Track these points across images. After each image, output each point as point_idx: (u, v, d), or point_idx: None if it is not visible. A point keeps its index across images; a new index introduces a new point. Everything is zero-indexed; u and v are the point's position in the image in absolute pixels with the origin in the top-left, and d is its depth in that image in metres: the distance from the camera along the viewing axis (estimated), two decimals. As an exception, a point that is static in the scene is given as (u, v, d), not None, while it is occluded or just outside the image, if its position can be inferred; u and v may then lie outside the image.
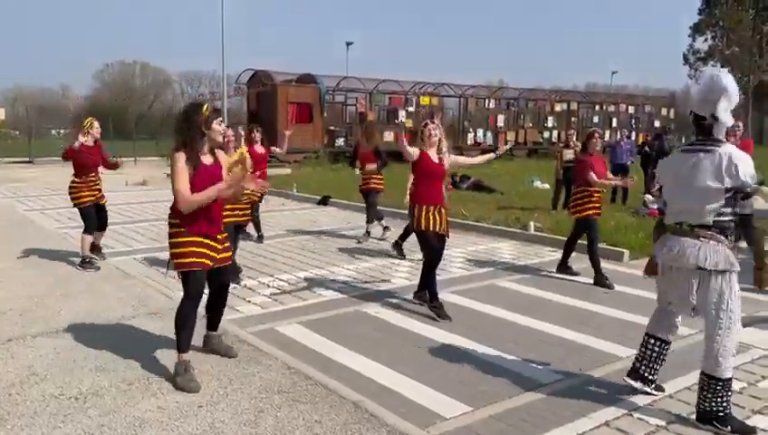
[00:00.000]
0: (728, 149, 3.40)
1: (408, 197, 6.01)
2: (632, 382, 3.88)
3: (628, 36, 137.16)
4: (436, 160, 5.67)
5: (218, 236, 4.21)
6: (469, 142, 30.88)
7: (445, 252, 8.23)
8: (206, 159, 4.11)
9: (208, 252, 4.11)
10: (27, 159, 26.94)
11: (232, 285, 6.44)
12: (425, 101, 29.36)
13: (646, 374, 3.87)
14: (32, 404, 3.65)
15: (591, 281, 6.73)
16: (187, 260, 4.03)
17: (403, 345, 4.85)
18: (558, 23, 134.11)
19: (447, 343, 4.87)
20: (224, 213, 6.15)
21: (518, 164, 26.62)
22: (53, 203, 12.87)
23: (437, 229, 5.57)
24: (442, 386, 4.06)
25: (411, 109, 28.68)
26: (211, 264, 4.14)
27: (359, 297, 6.15)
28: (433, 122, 5.81)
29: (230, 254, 4.38)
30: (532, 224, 9.60)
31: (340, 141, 26.68)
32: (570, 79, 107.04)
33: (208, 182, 4.02)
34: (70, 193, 7.39)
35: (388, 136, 26.50)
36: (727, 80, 3.39)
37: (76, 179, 7.32)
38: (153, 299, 5.86)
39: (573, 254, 7.22)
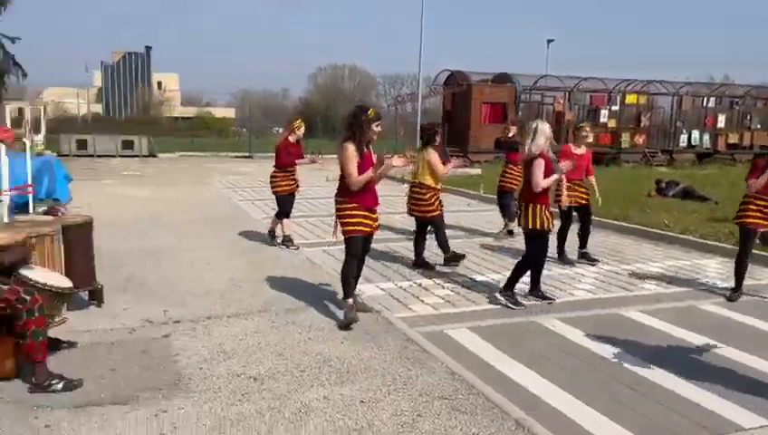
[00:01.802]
0: None
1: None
2: None
3: None
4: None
5: (375, 209, 5.19)
6: (682, 144, 28.14)
7: (636, 266, 7.65)
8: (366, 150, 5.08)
9: (366, 222, 5.12)
10: (247, 154, 30.17)
11: (408, 283, 6.60)
12: (631, 99, 27.34)
13: None
14: (217, 380, 4.02)
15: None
16: (351, 228, 5.10)
17: (577, 364, 4.51)
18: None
19: (628, 367, 4.43)
20: (414, 207, 7.23)
21: (741, 170, 23.59)
22: (263, 195, 14.18)
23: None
24: (614, 414, 3.70)
25: (615, 108, 26.91)
26: (368, 231, 5.17)
27: (536, 307, 5.87)
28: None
29: (378, 223, 5.30)
30: (748, 239, 8.39)
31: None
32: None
33: (368, 167, 5.03)
34: (270, 182, 8.47)
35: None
36: None
37: (277, 171, 8.31)
38: (335, 290, 6.14)
39: None
